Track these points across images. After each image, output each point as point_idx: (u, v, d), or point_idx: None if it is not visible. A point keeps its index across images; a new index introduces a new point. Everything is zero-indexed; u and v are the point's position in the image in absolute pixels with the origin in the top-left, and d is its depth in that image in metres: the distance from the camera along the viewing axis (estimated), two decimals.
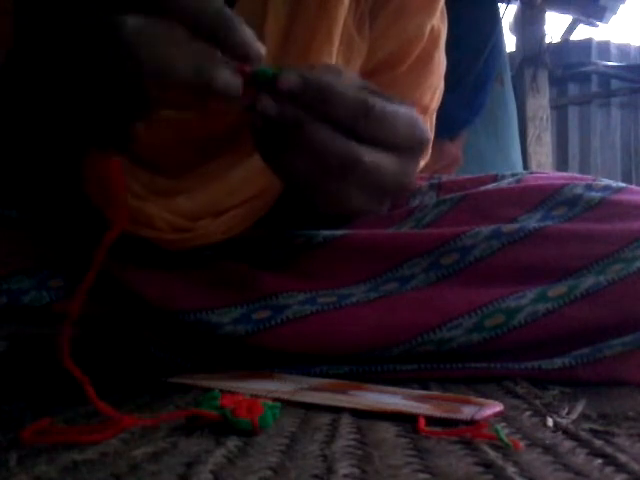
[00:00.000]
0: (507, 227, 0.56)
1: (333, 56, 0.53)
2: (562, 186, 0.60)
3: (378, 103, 0.37)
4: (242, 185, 0.56)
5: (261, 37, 0.52)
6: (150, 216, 0.53)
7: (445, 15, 0.62)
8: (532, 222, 0.57)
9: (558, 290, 0.51)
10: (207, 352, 0.54)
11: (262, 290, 0.55)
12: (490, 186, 0.63)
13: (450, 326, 0.51)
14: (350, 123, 0.37)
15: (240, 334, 0.52)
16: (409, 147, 0.40)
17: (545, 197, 0.59)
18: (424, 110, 0.63)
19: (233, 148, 0.56)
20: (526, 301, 0.51)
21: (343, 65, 0.56)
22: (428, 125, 0.64)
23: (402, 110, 0.39)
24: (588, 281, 0.51)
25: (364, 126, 0.37)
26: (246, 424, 0.36)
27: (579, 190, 0.59)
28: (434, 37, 0.60)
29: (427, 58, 0.60)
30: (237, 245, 0.59)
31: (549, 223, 0.56)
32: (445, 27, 0.62)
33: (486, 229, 0.56)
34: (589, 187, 0.59)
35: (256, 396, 0.41)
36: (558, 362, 0.49)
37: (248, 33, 0.36)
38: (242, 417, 0.36)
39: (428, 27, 0.59)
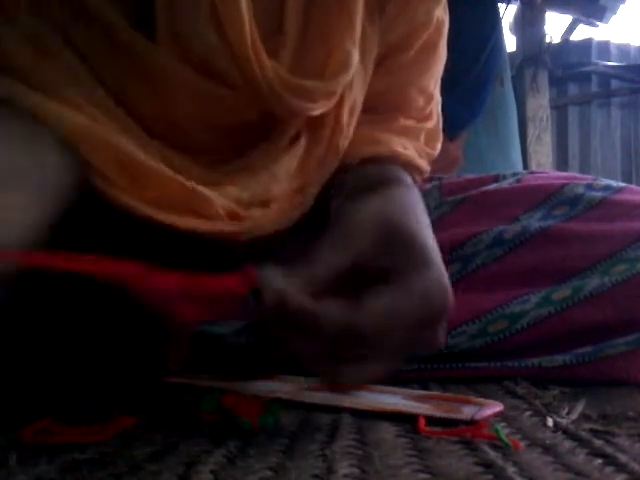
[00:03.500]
0: (508, 232, 0.56)
1: (357, 43, 0.52)
2: (563, 185, 0.60)
3: (369, 324, 0.35)
4: (286, 176, 0.54)
5: (281, 21, 0.50)
6: (207, 201, 0.48)
7: (447, 9, 0.62)
8: (533, 221, 0.57)
9: (563, 293, 0.51)
10: (210, 357, 0.54)
11: None
12: (491, 186, 0.63)
13: (454, 334, 0.51)
14: (337, 348, 0.35)
15: (242, 344, 0.52)
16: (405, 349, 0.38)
17: (546, 196, 0.59)
18: (430, 98, 0.62)
19: (271, 138, 0.54)
20: (530, 305, 0.51)
21: (360, 57, 0.55)
22: (435, 115, 0.64)
23: (398, 318, 0.36)
24: (592, 282, 0.51)
25: (353, 349, 0.36)
26: (246, 424, 0.36)
27: (580, 189, 0.59)
28: (439, 26, 0.60)
29: (433, 46, 0.60)
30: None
31: (550, 223, 0.56)
32: (447, 19, 0.62)
33: (487, 236, 0.56)
34: (590, 187, 0.59)
35: (256, 396, 0.41)
36: (559, 360, 0.49)
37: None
38: (242, 417, 0.36)
39: (435, 13, 0.59)
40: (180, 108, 0.49)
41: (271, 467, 0.31)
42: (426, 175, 0.63)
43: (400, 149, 0.58)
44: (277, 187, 0.54)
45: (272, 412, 0.37)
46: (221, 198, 0.49)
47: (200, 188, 0.47)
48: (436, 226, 0.58)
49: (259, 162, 0.53)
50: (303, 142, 0.55)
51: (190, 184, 0.46)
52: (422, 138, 0.62)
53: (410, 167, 0.58)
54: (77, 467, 0.31)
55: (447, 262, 0.55)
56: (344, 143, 0.56)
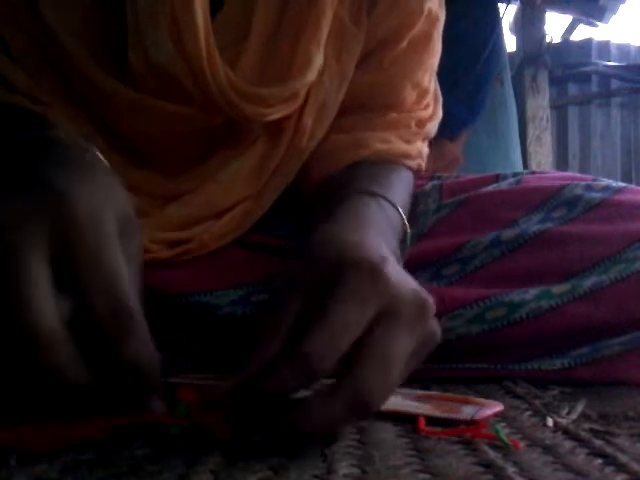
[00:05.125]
0: (505, 234, 0.56)
1: (321, 46, 0.54)
2: (562, 187, 0.60)
3: (308, 354, 0.32)
4: (235, 184, 0.56)
5: (249, 28, 0.53)
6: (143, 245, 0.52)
7: (443, 4, 0.63)
8: (532, 224, 0.57)
9: (562, 288, 0.51)
10: (205, 340, 0.54)
11: (262, 273, 0.55)
12: (490, 187, 0.63)
13: (450, 315, 0.51)
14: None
15: (237, 315, 0.52)
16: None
17: (545, 198, 0.59)
18: (424, 92, 0.63)
19: (232, 142, 0.56)
20: (530, 297, 0.51)
21: (333, 54, 0.56)
22: (431, 106, 0.64)
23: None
24: (591, 279, 0.51)
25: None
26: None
27: (579, 191, 0.59)
28: (432, 19, 0.60)
29: (426, 38, 0.61)
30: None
31: (549, 225, 0.56)
32: (443, 15, 0.62)
33: (485, 239, 0.56)
34: (589, 187, 0.59)
35: None
36: (557, 363, 0.49)
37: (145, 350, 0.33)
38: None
39: (427, 4, 0.59)
40: (145, 124, 0.54)
41: (271, 467, 0.31)
42: (424, 156, 0.64)
43: (380, 146, 0.59)
44: (224, 199, 0.56)
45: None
46: (158, 232, 0.52)
47: None
48: (435, 230, 0.59)
49: (210, 171, 0.56)
50: (259, 147, 0.56)
51: None
52: (413, 124, 0.62)
53: (398, 158, 0.60)
54: (77, 467, 0.31)
55: (446, 264, 0.56)
56: (310, 144, 0.57)
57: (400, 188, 0.56)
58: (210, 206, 0.55)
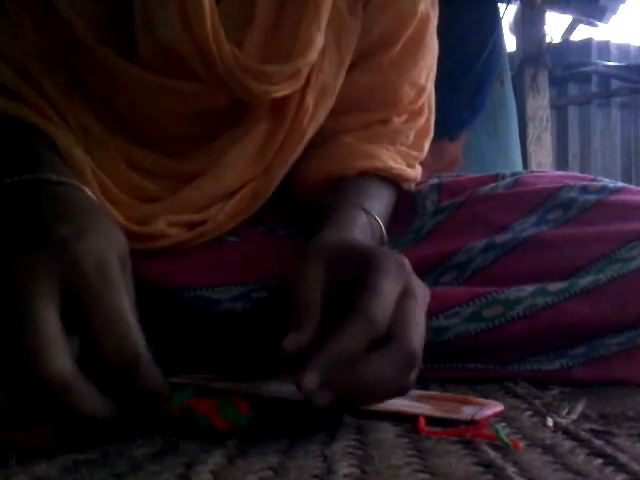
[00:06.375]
0: (500, 238, 0.56)
1: (322, 30, 0.55)
2: (557, 189, 0.60)
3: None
4: (242, 164, 0.57)
5: (252, 13, 0.54)
6: (162, 230, 0.54)
7: (436, 3, 0.64)
8: (527, 226, 0.57)
9: (558, 285, 0.51)
10: (206, 338, 0.54)
11: (263, 272, 0.55)
12: (488, 188, 0.63)
13: (447, 314, 0.51)
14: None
15: (238, 311, 0.52)
16: None
17: (541, 201, 0.60)
18: (421, 91, 0.64)
19: (237, 122, 0.57)
20: (525, 294, 0.51)
21: (332, 41, 0.58)
22: (426, 109, 0.66)
23: None
24: (588, 278, 0.51)
25: None
26: (203, 422, 0.36)
27: (574, 193, 0.59)
28: (424, 19, 0.62)
29: (419, 38, 0.62)
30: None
31: (544, 228, 0.57)
32: (436, 14, 0.64)
33: (480, 242, 0.56)
34: (584, 189, 0.59)
35: (256, 396, 0.41)
36: (557, 363, 0.49)
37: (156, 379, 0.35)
38: (199, 414, 0.36)
39: (421, 5, 0.61)
40: (154, 106, 0.55)
41: (271, 467, 0.31)
42: (417, 180, 0.67)
43: (392, 164, 0.62)
44: (234, 179, 0.57)
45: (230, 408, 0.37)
46: (174, 216, 0.54)
47: (155, 220, 0.54)
48: (433, 234, 0.59)
49: (217, 152, 0.57)
50: (263, 126, 0.58)
51: (145, 212, 0.54)
52: (411, 137, 0.65)
53: (400, 178, 0.64)
54: (77, 467, 0.31)
55: (444, 272, 0.56)
56: (312, 125, 0.59)
57: (389, 204, 0.62)
58: (221, 188, 0.57)
